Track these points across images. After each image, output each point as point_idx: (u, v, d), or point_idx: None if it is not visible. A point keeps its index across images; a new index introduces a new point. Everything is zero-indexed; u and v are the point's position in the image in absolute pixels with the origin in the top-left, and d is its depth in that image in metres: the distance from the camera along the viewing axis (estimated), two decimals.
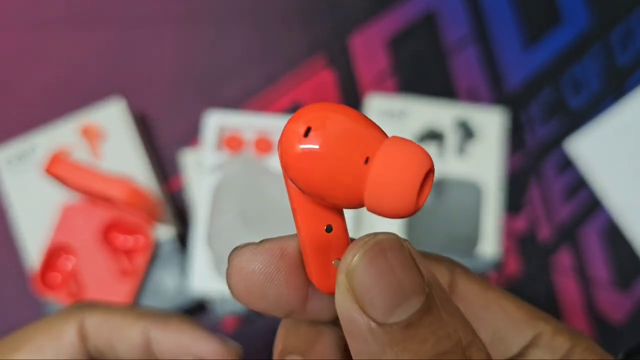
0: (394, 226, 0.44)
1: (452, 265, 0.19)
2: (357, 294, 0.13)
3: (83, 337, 0.19)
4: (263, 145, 0.43)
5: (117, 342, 0.19)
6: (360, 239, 0.14)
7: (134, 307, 0.20)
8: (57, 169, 0.37)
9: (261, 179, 0.41)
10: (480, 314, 0.18)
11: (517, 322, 0.18)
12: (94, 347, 0.19)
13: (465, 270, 0.19)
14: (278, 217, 0.38)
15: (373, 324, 0.13)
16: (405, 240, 0.14)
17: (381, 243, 0.14)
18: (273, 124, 0.43)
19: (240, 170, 0.40)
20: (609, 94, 0.50)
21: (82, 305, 0.20)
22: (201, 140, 0.45)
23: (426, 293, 0.13)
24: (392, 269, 0.13)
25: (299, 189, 0.13)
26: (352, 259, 0.13)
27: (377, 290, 0.13)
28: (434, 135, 0.45)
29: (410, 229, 0.44)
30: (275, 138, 0.44)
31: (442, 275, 0.18)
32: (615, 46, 0.51)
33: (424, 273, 0.14)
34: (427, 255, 0.18)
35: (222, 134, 0.43)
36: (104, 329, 0.19)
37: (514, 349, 0.18)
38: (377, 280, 0.13)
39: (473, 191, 0.45)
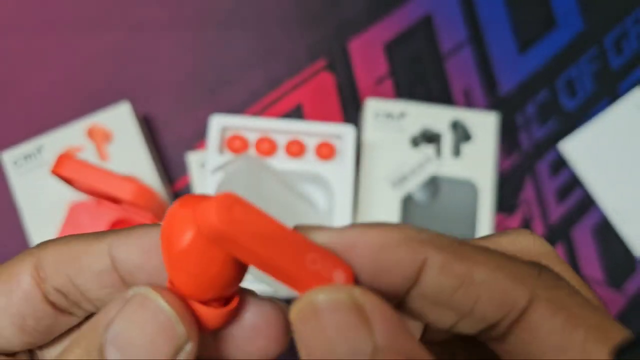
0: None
1: (537, 285, 0.14)
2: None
3: (40, 280, 0.16)
4: (265, 146, 0.43)
5: (76, 275, 0.16)
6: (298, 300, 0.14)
7: (99, 232, 0.16)
8: (64, 169, 0.37)
9: (263, 177, 0.41)
10: (552, 355, 0.14)
11: None
12: (51, 289, 0.16)
13: (554, 292, 0.14)
14: (280, 215, 0.39)
15: None
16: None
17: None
18: (275, 127, 0.43)
19: (243, 169, 0.40)
20: (603, 97, 0.51)
21: (38, 245, 0.17)
22: (207, 143, 0.45)
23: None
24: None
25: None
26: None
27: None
28: (431, 137, 0.46)
29: None
30: (277, 140, 0.44)
31: (518, 297, 0.14)
32: (609, 49, 0.52)
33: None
34: (509, 261, 0.14)
35: (225, 135, 0.43)
36: (60, 265, 0.16)
37: None
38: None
39: (469, 191, 0.45)
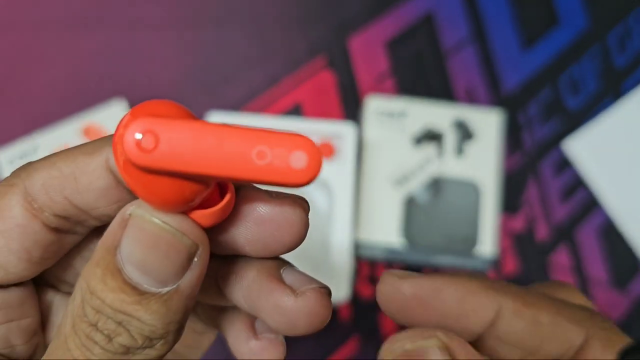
0: (394, 225, 0.44)
1: (591, 326, 0.17)
2: None
3: (35, 212, 0.15)
4: None
5: (76, 197, 0.15)
6: None
7: (84, 144, 0.16)
8: None
9: None
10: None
11: None
12: (51, 216, 0.15)
13: (605, 332, 0.17)
14: None
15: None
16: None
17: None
18: (273, 125, 0.43)
19: None
20: (606, 95, 0.51)
21: (18, 173, 0.16)
22: None
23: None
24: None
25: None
26: None
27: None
28: (433, 136, 0.46)
29: (408, 228, 0.44)
30: None
31: (576, 336, 0.16)
32: (613, 47, 0.52)
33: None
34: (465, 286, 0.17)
35: None
36: (55, 190, 0.15)
37: None
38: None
39: (471, 191, 0.45)
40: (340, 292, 0.41)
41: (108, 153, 0.15)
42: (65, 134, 0.44)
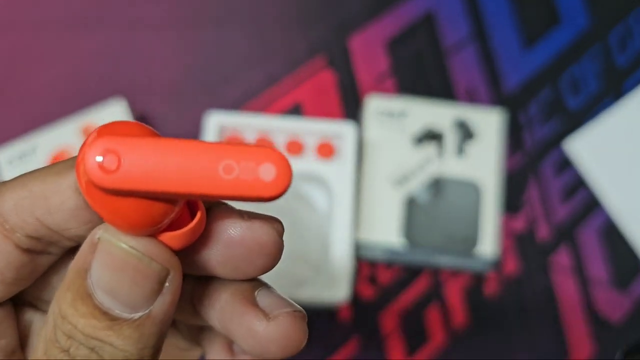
0: (394, 225, 0.44)
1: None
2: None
3: (6, 232, 0.15)
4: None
5: (46, 217, 0.15)
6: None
7: (55, 164, 0.15)
8: None
9: None
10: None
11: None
12: (23, 237, 0.15)
13: None
14: (278, 216, 0.39)
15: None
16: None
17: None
18: (273, 125, 0.43)
19: None
20: (607, 95, 0.51)
21: None
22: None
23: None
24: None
25: None
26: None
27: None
28: (433, 136, 0.45)
29: (408, 228, 0.44)
30: (276, 138, 0.44)
31: None
32: (614, 47, 0.52)
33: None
34: None
35: (223, 134, 0.43)
36: (25, 211, 0.15)
37: None
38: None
39: (472, 191, 0.45)
40: (341, 293, 0.41)
41: (74, 171, 0.15)
42: (64, 134, 0.44)
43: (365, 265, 0.47)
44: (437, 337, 0.46)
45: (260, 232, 0.15)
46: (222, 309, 0.16)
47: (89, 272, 0.14)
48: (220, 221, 0.15)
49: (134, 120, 0.15)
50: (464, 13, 0.51)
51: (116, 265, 0.14)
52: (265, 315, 0.16)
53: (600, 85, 0.51)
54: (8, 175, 0.43)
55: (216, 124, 0.43)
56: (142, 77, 0.49)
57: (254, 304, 0.16)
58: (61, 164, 0.15)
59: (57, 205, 0.15)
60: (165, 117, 0.48)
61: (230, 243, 0.15)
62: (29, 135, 0.44)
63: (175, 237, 0.14)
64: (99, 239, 0.14)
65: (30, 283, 0.16)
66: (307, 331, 0.16)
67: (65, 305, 0.14)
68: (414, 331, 0.46)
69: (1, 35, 0.49)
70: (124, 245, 0.14)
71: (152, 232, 0.14)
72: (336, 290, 0.41)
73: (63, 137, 0.44)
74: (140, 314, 0.14)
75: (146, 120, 0.48)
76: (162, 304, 0.14)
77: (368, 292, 0.46)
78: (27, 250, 0.15)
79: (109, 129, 0.13)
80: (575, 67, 0.51)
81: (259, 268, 0.16)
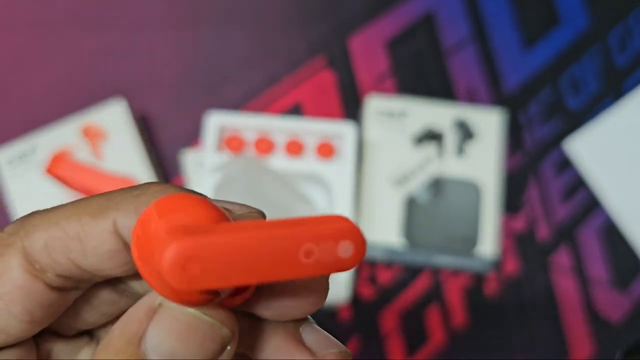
0: (394, 225, 0.44)
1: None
2: None
3: (37, 273, 0.15)
4: (263, 145, 0.43)
5: (81, 259, 0.14)
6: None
7: (90, 200, 0.15)
8: (59, 169, 0.37)
9: (262, 178, 0.41)
10: None
11: None
12: (54, 277, 0.15)
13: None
14: (279, 216, 0.39)
15: None
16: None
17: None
18: (273, 125, 0.43)
19: (241, 169, 0.41)
20: (607, 95, 0.51)
21: (16, 230, 0.15)
22: (202, 141, 0.45)
23: None
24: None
25: None
26: None
27: None
28: (434, 136, 0.46)
29: (408, 228, 0.44)
30: (276, 139, 0.44)
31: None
32: (614, 47, 0.52)
33: None
34: None
35: (223, 135, 0.43)
36: (58, 251, 0.14)
37: None
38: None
39: (472, 191, 0.45)
40: (341, 293, 0.41)
41: (115, 215, 0.14)
42: (64, 134, 0.44)
43: (365, 266, 0.47)
44: (436, 336, 0.46)
45: (312, 280, 0.15)
46: (270, 348, 0.16)
47: (143, 339, 0.13)
48: None
49: (189, 191, 0.14)
50: (464, 13, 0.51)
51: (183, 332, 0.13)
52: (313, 355, 0.16)
53: (600, 85, 0.51)
54: (8, 175, 0.43)
55: (216, 124, 0.43)
56: (142, 77, 0.49)
57: (301, 342, 0.16)
58: (95, 202, 0.15)
59: (92, 248, 0.14)
60: (166, 117, 0.48)
61: (281, 292, 0.15)
62: (29, 135, 0.44)
63: (234, 298, 0.14)
64: (159, 304, 0.14)
65: (56, 318, 0.16)
66: None
67: None
68: (413, 331, 0.46)
69: (1, 35, 0.49)
70: (193, 311, 0.13)
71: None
72: (337, 290, 0.41)
73: (63, 137, 0.44)
74: None
75: (147, 120, 0.48)
76: None
77: (368, 292, 0.46)
78: (57, 288, 0.15)
79: (171, 213, 0.13)
80: (575, 67, 0.51)
81: (307, 313, 0.16)
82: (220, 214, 0.13)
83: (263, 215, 0.16)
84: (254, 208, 0.16)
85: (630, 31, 0.52)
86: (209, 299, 0.13)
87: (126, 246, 0.15)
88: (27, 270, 0.14)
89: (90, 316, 0.17)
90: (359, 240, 0.12)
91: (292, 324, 0.16)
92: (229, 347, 0.14)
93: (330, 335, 0.16)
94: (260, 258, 0.12)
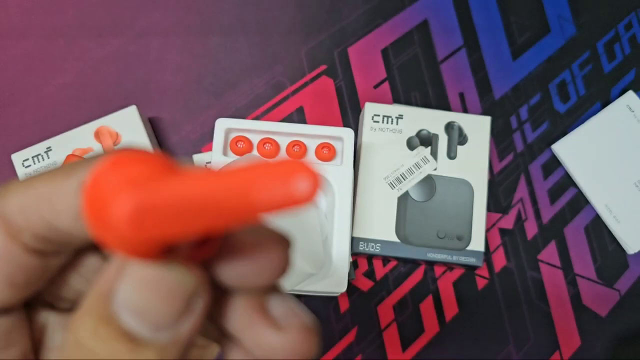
0: (389, 223, 0.45)
1: None
2: None
3: (13, 233, 0.14)
4: (268, 149, 0.43)
5: (55, 218, 0.14)
6: None
7: (64, 165, 0.14)
8: None
9: None
10: None
11: None
12: (31, 238, 0.14)
13: None
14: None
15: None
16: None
17: None
18: (277, 130, 0.44)
19: None
20: (595, 100, 0.51)
21: None
22: (212, 146, 0.45)
23: None
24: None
25: None
26: None
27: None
28: (428, 140, 0.46)
29: (403, 226, 0.45)
30: (280, 142, 0.44)
31: None
32: (602, 54, 0.52)
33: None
34: None
35: (229, 139, 0.44)
36: (32, 211, 0.14)
37: None
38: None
39: (464, 191, 0.45)
40: (340, 286, 0.42)
41: (82, 173, 0.14)
42: (77, 138, 0.43)
43: (363, 261, 0.47)
44: (430, 328, 0.47)
45: (269, 248, 0.15)
46: (234, 317, 0.15)
47: (113, 295, 0.13)
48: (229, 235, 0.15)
49: (144, 146, 0.14)
50: (457, 22, 0.52)
51: (148, 286, 0.13)
52: (276, 325, 0.15)
53: (588, 91, 0.51)
54: (22, 175, 0.43)
55: (222, 129, 0.43)
56: (153, 85, 0.49)
57: (265, 312, 0.15)
58: (70, 165, 0.14)
59: (65, 208, 0.14)
60: (176, 123, 0.48)
61: (239, 257, 0.15)
62: (41, 143, 0.43)
63: (195, 256, 0.14)
64: (127, 263, 0.13)
65: (43, 286, 0.15)
66: (317, 343, 0.15)
67: (82, 331, 0.13)
68: (409, 323, 0.46)
69: (18, 43, 0.49)
70: (157, 266, 0.13)
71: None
72: (336, 284, 0.41)
73: (77, 141, 0.43)
74: (166, 333, 0.13)
75: (157, 126, 0.48)
76: (190, 322, 0.13)
77: (365, 285, 0.47)
78: (37, 252, 0.14)
79: (121, 164, 0.12)
80: (564, 74, 0.52)
81: (268, 278, 0.15)
82: (171, 165, 0.12)
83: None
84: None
85: (618, 39, 0.52)
86: (168, 252, 0.13)
87: None
88: (4, 233, 0.14)
89: (78, 284, 0.16)
90: (311, 174, 0.11)
91: (258, 293, 0.15)
92: (197, 301, 0.13)
93: (297, 306, 0.16)
94: (214, 204, 0.11)
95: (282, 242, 0.15)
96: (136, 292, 0.13)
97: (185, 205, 0.11)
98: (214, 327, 0.17)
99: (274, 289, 0.16)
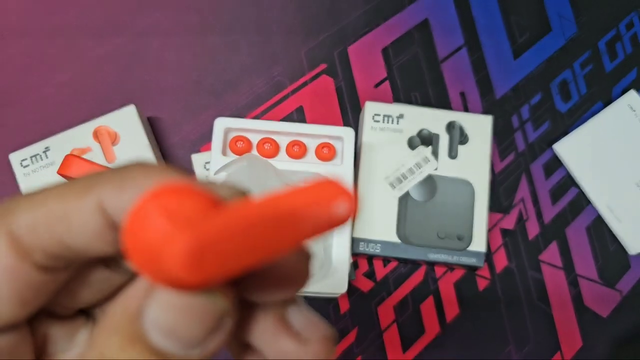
0: (390, 223, 0.45)
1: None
2: None
3: (23, 253, 0.14)
4: (268, 148, 0.43)
5: (68, 237, 0.14)
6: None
7: (75, 181, 0.14)
8: (71, 169, 0.37)
9: (266, 177, 0.41)
10: None
11: None
12: (42, 257, 0.14)
13: None
14: None
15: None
16: None
17: None
18: (277, 129, 0.44)
19: (245, 169, 0.40)
20: (597, 100, 0.51)
21: (2, 210, 0.14)
22: (211, 146, 0.45)
23: None
24: None
25: None
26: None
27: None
28: (428, 139, 0.46)
29: (404, 227, 0.45)
30: (279, 141, 0.44)
31: None
32: (603, 53, 0.52)
33: None
34: None
35: (229, 138, 0.44)
36: (44, 230, 0.14)
37: None
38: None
39: (465, 191, 0.45)
40: (341, 287, 0.42)
41: (100, 193, 0.14)
42: (76, 137, 0.43)
43: (363, 261, 0.47)
44: (431, 329, 0.47)
45: (293, 261, 0.15)
46: (257, 330, 0.16)
47: (143, 314, 0.13)
48: None
49: (175, 173, 0.14)
50: (458, 21, 0.52)
51: (181, 307, 0.13)
52: (298, 337, 0.15)
53: (589, 90, 0.51)
54: (21, 177, 0.43)
55: (222, 129, 0.43)
56: (152, 84, 0.49)
57: (287, 325, 0.15)
58: (81, 182, 0.14)
59: (79, 227, 0.14)
60: (175, 122, 0.49)
61: (264, 273, 0.15)
62: (39, 143, 0.43)
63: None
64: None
65: (50, 299, 0.15)
66: (335, 351, 0.15)
67: (111, 350, 0.13)
68: (409, 324, 0.47)
69: (16, 42, 0.49)
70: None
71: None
72: (336, 285, 0.41)
73: (75, 140, 0.43)
74: (196, 351, 0.13)
75: (156, 126, 0.49)
76: (219, 339, 0.13)
77: (366, 286, 0.47)
78: (47, 269, 0.14)
79: (169, 200, 0.12)
80: (565, 73, 0.52)
81: (291, 292, 0.15)
82: (213, 198, 0.12)
83: (244, 193, 0.15)
84: (232, 185, 0.15)
85: (620, 38, 0.53)
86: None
87: (112, 224, 0.14)
88: (13, 251, 0.14)
89: (85, 294, 0.16)
90: (348, 196, 0.12)
91: (279, 306, 0.16)
92: (227, 320, 0.14)
93: (316, 318, 0.16)
94: (263, 235, 0.11)
95: (306, 256, 0.15)
96: (169, 314, 0.13)
97: (239, 242, 0.11)
98: (233, 338, 0.17)
99: (292, 299, 0.16)
